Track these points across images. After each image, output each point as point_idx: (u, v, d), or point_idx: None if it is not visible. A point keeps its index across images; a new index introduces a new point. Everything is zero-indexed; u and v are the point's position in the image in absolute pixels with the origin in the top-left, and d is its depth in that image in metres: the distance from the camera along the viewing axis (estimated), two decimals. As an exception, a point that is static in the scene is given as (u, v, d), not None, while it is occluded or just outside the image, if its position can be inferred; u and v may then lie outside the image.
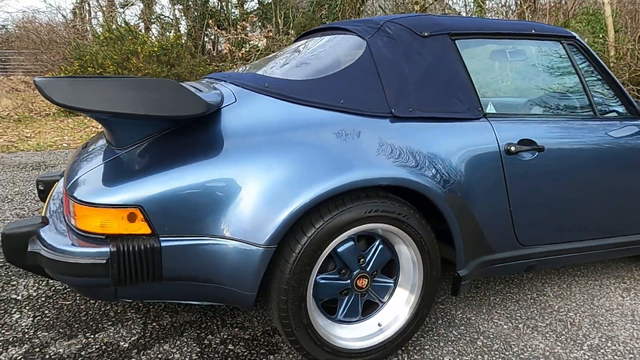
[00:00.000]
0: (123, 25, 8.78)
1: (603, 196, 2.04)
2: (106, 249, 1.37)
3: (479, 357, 1.74)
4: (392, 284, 1.71)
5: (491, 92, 2.62)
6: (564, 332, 1.93)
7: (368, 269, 1.63)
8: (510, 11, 10.53)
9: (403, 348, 1.77)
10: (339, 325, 1.64)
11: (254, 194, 1.44)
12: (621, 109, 2.18)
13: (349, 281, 1.61)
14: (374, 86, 1.71)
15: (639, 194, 2.11)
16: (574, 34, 2.11)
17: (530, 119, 1.94)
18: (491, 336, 1.88)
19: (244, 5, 12.42)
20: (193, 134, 1.55)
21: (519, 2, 9.47)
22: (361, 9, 10.51)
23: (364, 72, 1.73)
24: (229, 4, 12.79)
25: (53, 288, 2.12)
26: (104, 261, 1.37)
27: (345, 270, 1.60)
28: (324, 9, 10.91)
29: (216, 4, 12.84)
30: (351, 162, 1.51)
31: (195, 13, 12.86)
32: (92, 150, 1.78)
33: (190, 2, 12.75)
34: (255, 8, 12.67)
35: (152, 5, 13.71)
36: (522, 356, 1.76)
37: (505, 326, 1.96)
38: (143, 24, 14.60)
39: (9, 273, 2.26)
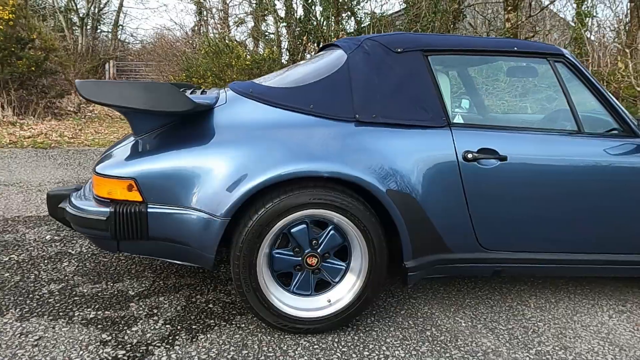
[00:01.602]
0: (226, 41, 9.75)
1: (578, 211, 2.06)
2: (106, 209, 1.81)
3: (420, 343, 1.90)
4: (343, 267, 1.94)
5: (466, 105, 2.69)
6: (519, 337, 2.00)
7: (319, 250, 1.88)
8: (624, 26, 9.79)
9: (354, 327, 1.98)
10: (291, 295, 1.91)
11: (219, 176, 1.79)
12: (616, 127, 2.18)
13: (300, 258, 1.88)
14: (344, 94, 1.98)
15: (621, 214, 2.09)
16: (564, 51, 2.17)
17: (497, 131, 2.05)
18: (443, 330, 2.02)
19: (340, 24, 12.95)
20: (187, 126, 1.95)
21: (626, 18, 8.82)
22: (452, 25, 10.47)
23: (339, 82, 2.01)
24: (329, 22, 13.45)
25: (99, 249, 2.66)
26: (104, 218, 1.80)
27: (298, 249, 1.88)
28: (418, 24, 11.05)
29: (319, 21, 13.57)
30: (300, 156, 1.80)
31: (297, 31, 13.73)
32: (125, 137, 2.27)
33: (293, 22, 13.65)
34: (354, 29, 13.18)
35: (259, 24, 14.85)
36: (462, 349, 1.88)
37: (463, 324, 2.07)
38: (252, 39, 15.90)
39: (73, 235, 2.86)
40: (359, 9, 13.24)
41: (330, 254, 1.92)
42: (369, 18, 12.65)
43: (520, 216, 2.03)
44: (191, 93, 2.19)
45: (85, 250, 2.63)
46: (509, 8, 8.93)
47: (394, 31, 11.64)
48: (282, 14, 14.20)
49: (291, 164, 1.77)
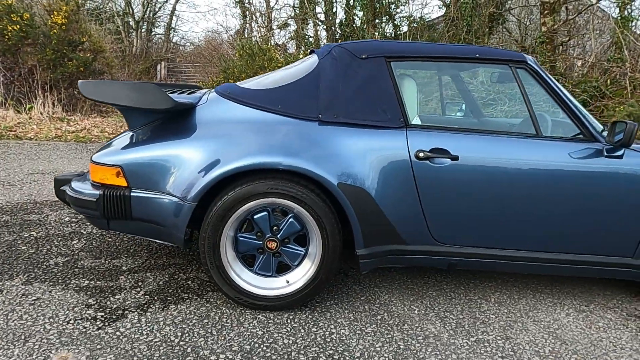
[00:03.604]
0: (260, 44, 10.12)
1: (530, 211, 2.15)
2: (97, 192, 2.10)
3: (367, 325, 2.07)
4: (302, 253, 2.14)
5: (426, 108, 2.80)
6: (466, 326, 2.12)
7: (279, 236, 2.10)
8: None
9: (312, 307, 2.18)
10: (253, 274, 2.13)
11: (190, 167, 2.04)
12: (578, 131, 2.26)
13: (261, 242, 2.10)
14: (311, 96, 2.18)
15: (570, 215, 2.16)
16: (527, 57, 2.27)
17: (452, 132, 2.18)
18: (395, 315, 2.17)
19: (378, 27, 13.06)
20: (171, 122, 2.21)
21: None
22: (487, 30, 10.37)
23: (308, 84, 2.22)
24: (368, 26, 13.60)
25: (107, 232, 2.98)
26: (95, 199, 2.09)
27: (260, 234, 2.10)
28: (448, 27, 11.02)
29: (358, 26, 13.76)
30: (262, 150, 2.02)
31: (337, 35, 13.98)
32: (125, 131, 2.57)
33: (332, 25, 13.92)
34: (392, 33, 13.28)
35: (300, 27, 15.20)
36: (406, 332, 2.03)
37: (416, 311, 2.22)
38: (294, 42, 16.30)
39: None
40: (396, 12, 13.33)
41: (291, 240, 2.13)
42: (406, 22, 12.72)
43: (472, 213, 2.15)
44: (180, 93, 2.45)
45: (94, 231, 2.97)
46: (545, 12, 8.76)
47: (430, 35, 11.64)
48: (322, 18, 14.54)
49: (252, 157, 1.99)
